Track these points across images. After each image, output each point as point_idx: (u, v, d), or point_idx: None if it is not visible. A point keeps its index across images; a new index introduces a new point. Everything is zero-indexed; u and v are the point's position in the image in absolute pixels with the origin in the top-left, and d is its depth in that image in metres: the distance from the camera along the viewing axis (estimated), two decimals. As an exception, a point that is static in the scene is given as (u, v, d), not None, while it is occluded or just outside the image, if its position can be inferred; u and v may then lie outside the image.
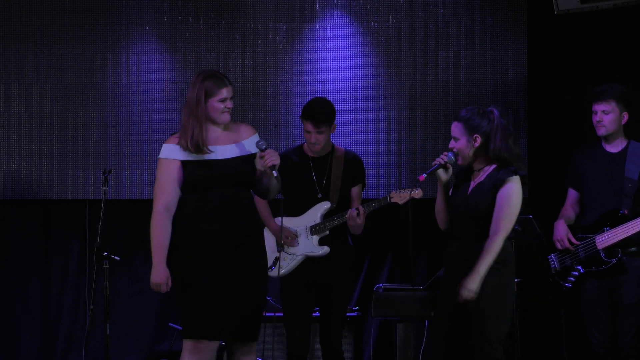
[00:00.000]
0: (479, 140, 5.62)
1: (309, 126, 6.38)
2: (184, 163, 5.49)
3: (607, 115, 6.47)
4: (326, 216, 6.44)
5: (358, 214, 6.33)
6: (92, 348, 7.69)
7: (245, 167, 5.54)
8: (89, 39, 8.15)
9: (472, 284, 5.45)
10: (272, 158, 5.50)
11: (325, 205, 6.44)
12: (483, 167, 5.67)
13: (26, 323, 8.22)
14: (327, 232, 6.42)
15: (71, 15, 8.15)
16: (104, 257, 6.74)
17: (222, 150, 5.52)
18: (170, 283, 5.49)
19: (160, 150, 7.95)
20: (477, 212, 5.57)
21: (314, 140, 6.39)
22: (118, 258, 6.85)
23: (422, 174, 5.57)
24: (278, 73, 8.13)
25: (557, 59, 7.99)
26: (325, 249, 6.40)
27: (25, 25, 8.16)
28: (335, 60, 8.12)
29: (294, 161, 6.41)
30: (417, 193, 6.38)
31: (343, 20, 8.12)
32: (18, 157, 8.15)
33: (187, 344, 5.47)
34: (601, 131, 6.50)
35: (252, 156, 5.57)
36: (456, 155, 5.61)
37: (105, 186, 6.85)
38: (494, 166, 5.65)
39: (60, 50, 8.15)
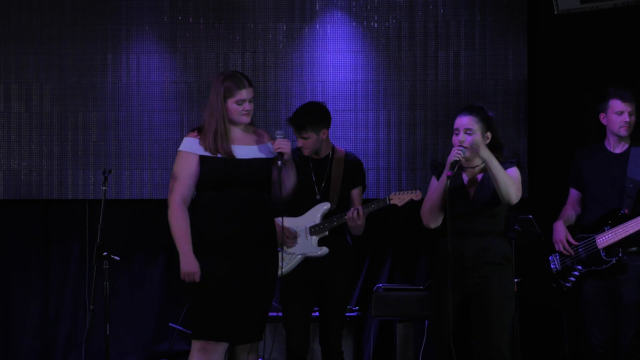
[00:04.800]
0: (489, 138, 5.63)
1: (294, 132, 6.41)
2: (202, 158, 5.49)
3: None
4: (326, 217, 6.44)
5: (358, 215, 6.32)
6: (92, 348, 7.69)
7: (261, 170, 5.54)
8: (89, 39, 8.15)
9: (481, 148, 5.48)
10: (281, 145, 5.50)
11: (325, 206, 6.44)
12: (479, 165, 5.67)
13: (26, 323, 8.22)
14: (327, 233, 6.42)
15: (71, 15, 8.15)
16: (104, 257, 6.74)
17: (240, 150, 5.53)
18: (200, 271, 5.44)
19: (160, 150, 8.09)
20: (488, 210, 5.57)
21: (300, 145, 6.41)
22: (118, 258, 6.85)
23: (449, 171, 5.53)
24: (278, 73, 8.13)
25: (557, 59, 7.99)
26: (324, 250, 6.40)
27: (25, 25, 8.16)
28: (335, 60, 8.12)
29: (294, 162, 6.41)
30: (417, 195, 6.37)
31: (343, 20, 8.12)
32: (18, 157, 8.15)
33: (196, 344, 5.47)
34: (627, 132, 6.49)
35: (269, 160, 5.57)
36: (466, 150, 5.58)
37: (105, 186, 6.85)
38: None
39: (60, 50, 8.15)
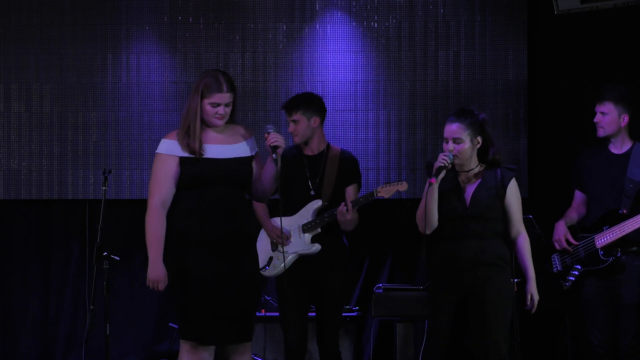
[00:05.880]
0: (480, 142, 5.63)
1: (286, 115, 6.41)
2: (181, 160, 5.45)
3: (604, 117, 6.48)
4: (318, 214, 6.42)
5: (347, 210, 6.30)
6: (92, 348, 7.68)
7: (241, 168, 5.51)
8: (89, 39, 8.15)
9: (536, 291, 5.66)
10: (277, 138, 5.48)
11: (317, 204, 6.41)
12: (473, 169, 5.67)
13: (26, 323, 8.22)
14: (319, 230, 6.40)
15: (71, 15, 8.15)
16: (104, 257, 6.73)
17: (218, 150, 5.48)
18: (167, 280, 5.46)
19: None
20: (485, 213, 5.57)
21: (291, 129, 6.41)
22: (118, 258, 6.84)
23: (432, 177, 5.53)
24: (278, 73, 8.13)
25: (557, 59, 7.99)
26: (317, 247, 6.38)
27: (25, 25, 8.16)
28: (335, 60, 8.12)
29: (289, 159, 6.40)
30: (403, 186, 6.36)
31: (343, 20, 8.12)
32: (18, 157, 8.15)
33: (185, 345, 5.46)
34: (599, 132, 6.52)
35: (248, 159, 5.55)
36: (454, 157, 5.59)
37: (105, 186, 6.84)
38: (483, 166, 5.67)
39: (60, 50, 8.15)
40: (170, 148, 5.47)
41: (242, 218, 5.51)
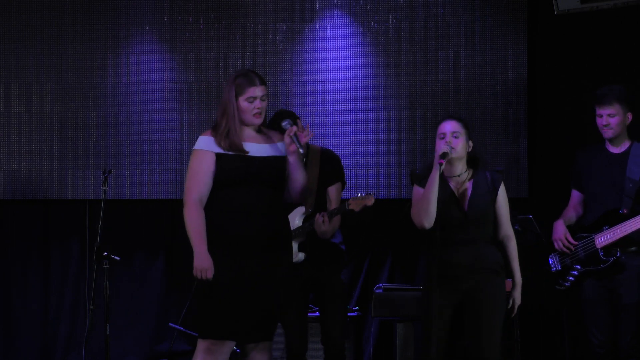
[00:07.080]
0: (471, 146, 5.67)
1: None
2: (218, 155, 5.43)
3: (613, 119, 6.48)
4: (305, 220, 6.34)
5: (323, 221, 6.22)
6: (92, 348, 7.69)
7: (277, 167, 5.50)
8: (89, 39, 8.15)
9: (519, 297, 5.69)
10: (295, 129, 5.49)
11: (301, 210, 6.32)
12: (462, 173, 5.68)
13: (26, 323, 8.22)
14: (304, 239, 6.32)
15: (71, 15, 8.15)
16: (104, 257, 6.74)
17: (256, 148, 5.49)
18: (213, 268, 5.36)
19: (160, 150, 8.08)
20: (482, 218, 5.58)
21: None
22: (118, 258, 6.85)
23: (440, 159, 5.50)
24: (278, 73, 8.13)
25: (557, 59, 7.99)
26: (301, 256, 6.29)
27: (25, 25, 8.16)
28: (335, 60, 8.12)
29: None
30: (370, 200, 6.19)
31: (343, 20, 8.12)
32: (18, 157, 8.15)
33: (203, 344, 5.42)
34: (608, 134, 6.51)
35: (282, 158, 5.53)
36: (452, 149, 5.60)
37: (105, 186, 6.85)
38: (470, 170, 5.68)
39: (60, 50, 8.15)
40: (207, 144, 5.46)
41: (272, 218, 5.46)
